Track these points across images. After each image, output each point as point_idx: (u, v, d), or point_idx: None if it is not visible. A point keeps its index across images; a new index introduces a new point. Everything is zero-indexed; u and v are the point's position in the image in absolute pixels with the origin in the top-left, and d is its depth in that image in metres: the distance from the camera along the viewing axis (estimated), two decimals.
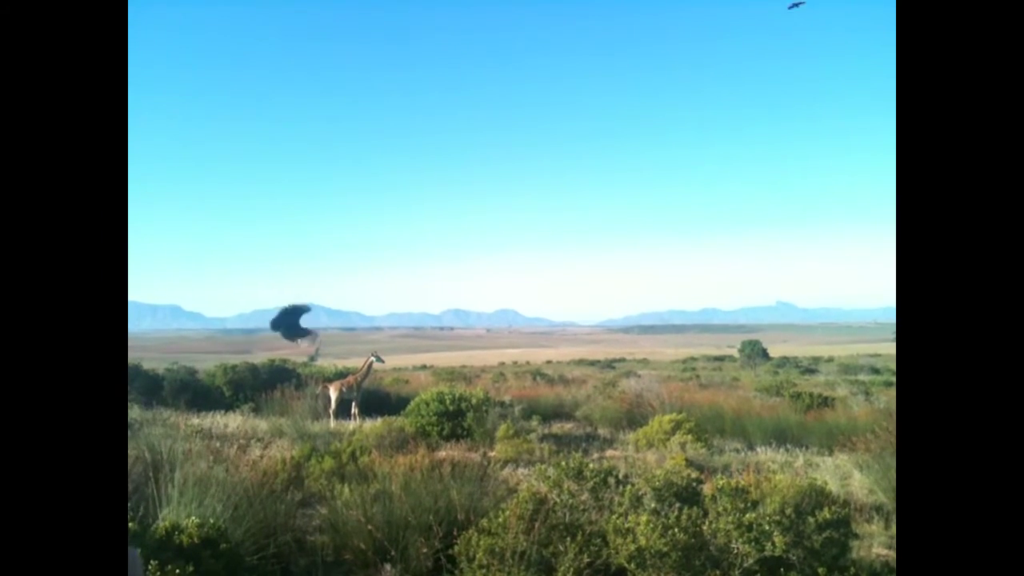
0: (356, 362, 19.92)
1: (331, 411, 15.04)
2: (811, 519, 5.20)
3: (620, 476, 6.37)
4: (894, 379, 31.88)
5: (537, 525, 5.15)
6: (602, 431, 14.79)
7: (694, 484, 6.38)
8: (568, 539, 5.07)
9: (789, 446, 12.65)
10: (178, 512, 5.66)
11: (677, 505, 5.57)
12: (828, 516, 5.23)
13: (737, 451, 12.46)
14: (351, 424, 14.28)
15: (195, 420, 14.49)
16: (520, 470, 10.08)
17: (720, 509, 5.19)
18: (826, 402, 16.72)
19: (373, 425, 12.84)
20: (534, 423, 14.39)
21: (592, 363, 63.23)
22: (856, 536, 5.86)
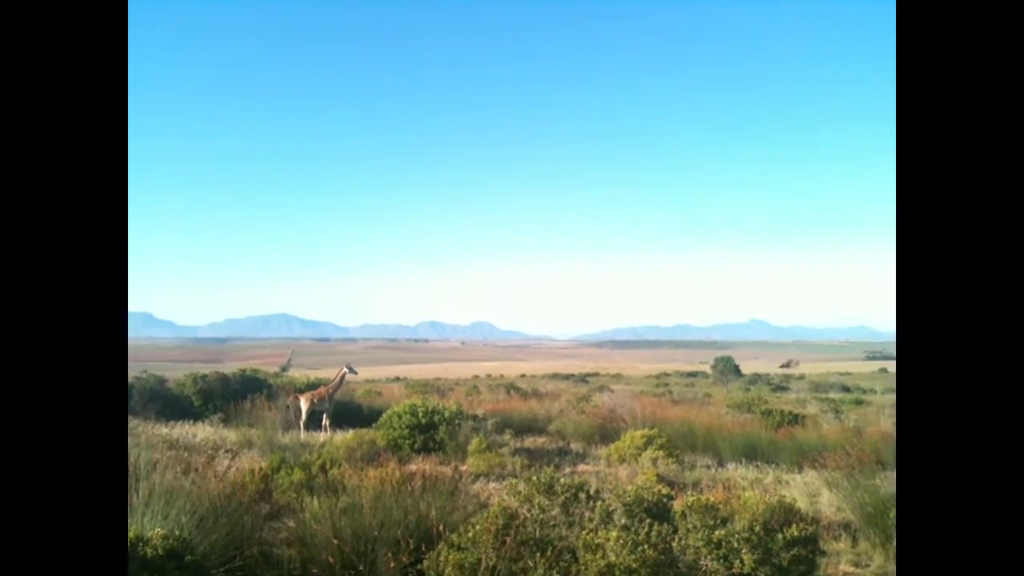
0: (329, 373, 19.76)
1: (302, 422, 14.90)
2: (779, 536, 5.23)
3: (591, 491, 6.37)
4: (863, 398, 32.27)
5: (507, 540, 5.13)
6: (575, 445, 14.79)
7: (664, 500, 6.40)
8: (538, 555, 5.05)
9: (759, 463, 12.73)
10: (143, 523, 5.56)
11: (647, 521, 5.57)
12: (796, 533, 5.27)
13: (708, 467, 12.51)
14: (322, 436, 14.15)
15: (163, 430, 14.29)
16: (492, 484, 10.05)
17: (690, 526, 5.21)
18: (796, 419, 16.86)
19: (344, 437, 12.74)
20: (507, 437, 14.36)
21: (566, 377, 63.25)
22: (823, 553, 5.90)
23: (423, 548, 5.49)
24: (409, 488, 7.02)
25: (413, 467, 10.74)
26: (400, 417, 13.28)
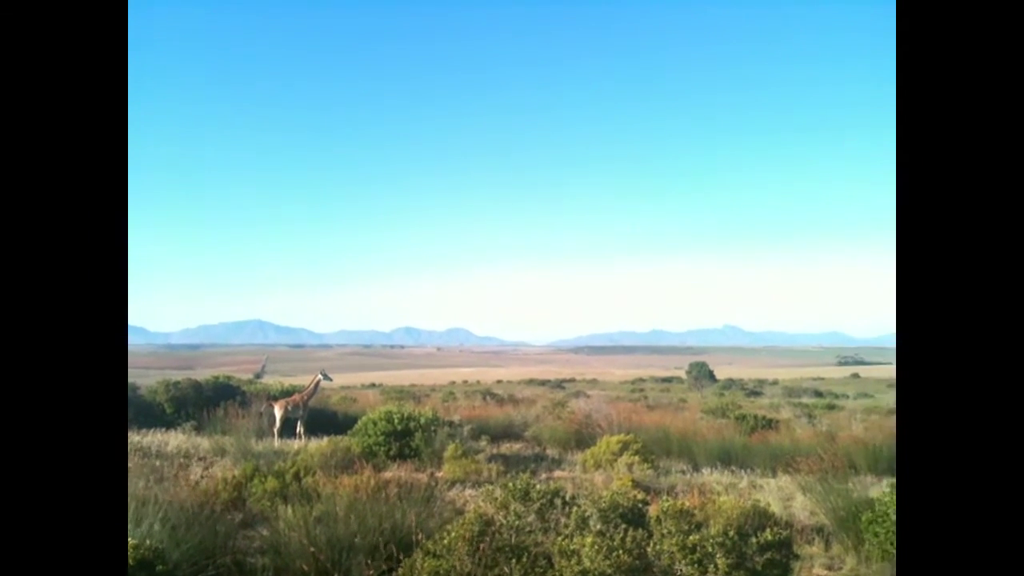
0: (303, 380, 19.64)
1: (276, 430, 14.77)
2: (754, 540, 5.27)
3: (567, 497, 6.38)
4: (836, 402, 32.66)
5: (483, 547, 5.12)
6: (551, 451, 14.80)
7: (640, 505, 6.43)
8: (513, 561, 5.05)
9: (734, 468, 12.81)
10: None
11: (622, 527, 5.59)
12: (770, 538, 5.32)
13: (683, 472, 12.56)
14: (296, 444, 14.04)
15: (135, 438, 14.09)
16: (468, 491, 10.03)
17: (664, 531, 5.23)
18: (770, 424, 17.00)
19: (319, 445, 12.64)
20: (483, 443, 14.34)
21: (542, 383, 63.35)
22: (797, 557, 5.95)
23: (399, 555, 5.47)
24: (384, 495, 6.99)
25: (388, 474, 10.71)
26: (375, 424, 13.21)
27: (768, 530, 5.47)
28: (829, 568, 7.10)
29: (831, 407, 28.21)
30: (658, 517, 5.58)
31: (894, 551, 6.88)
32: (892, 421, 19.26)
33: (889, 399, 36.77)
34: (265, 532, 6.58)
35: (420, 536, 5.80)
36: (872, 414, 22.99)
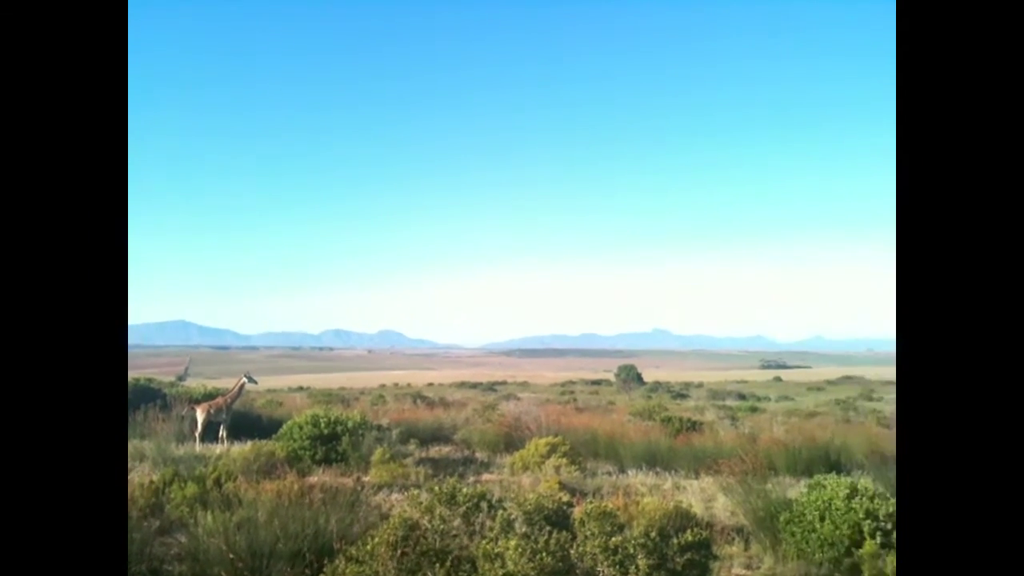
0: (228, 383, 19.15)
1: (198, 434, 14.39)
2: (674, 541, 5.38)
3: (493, 500, 6.39)
4: (759, 405, 33.55)
5: (407, 552, 5.09)
6: (480, 454, 14.81)
7: (565, 508, 6.49)
8: (437, 565, 5.04)
9: (659, 469, 13.03)
10: None
11: (547, 529, 5.63)
12: (690, 538, 5.43)
13: (609, 474, 12.73)
14: (218, 448, 13.70)
15: None
16: (394, 495, 9.96)
17: (588, 533, 5.29)
18: (695, 426, 17.35)
19: (241, 449, 12.37)
20: (412, 447, 14.25)
21: (474, 386, 63.33)
22: (716, 557, 6.10)
23: (321, 562, 5.39)
24: (308, 501, 6.89)
25: (313, 479, 10.54)
26: (301, 428, 12.99)
27: (689, 531, 5.60)
28: (747, 567, 7.29)
29: (754, 409, 28.97)
30: (582, 519, 5.64)
31: (809, 550, 7.12)
32: (811, 424, 19.92)
33: (807, 401, 38.03)
34: (183, 539, 6.40)
35: (343, 542, 5.74)
36: (792, 416, 23.73)
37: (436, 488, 6.37)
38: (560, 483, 10.47)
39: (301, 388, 51.79)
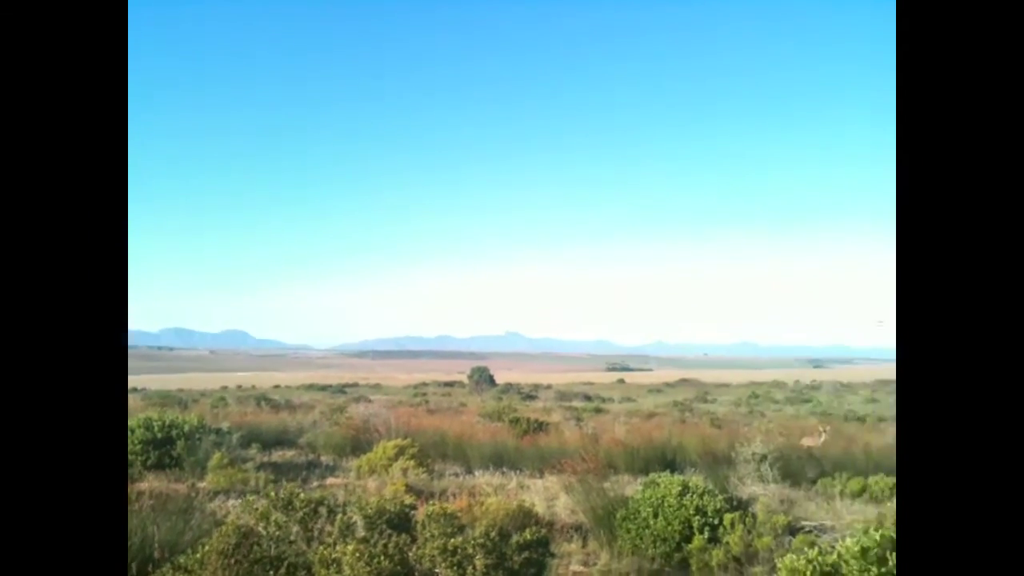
0: None
1: None
2: (513, 540, 5.47)
3: (335, 505, 6.27)
4: (603, 406, 34.76)
5: (239, 560, 4.89)
6: (326, 458, 14.50)
7: (407, 510, 6.45)
8: (271, 572, 4.88)
9: (505, 469, 13.24)
10: None
11: (387, 533, 5.58)
12: (529, 537, 5.54)
13: (457, 475, 12.80)
14: None
15: None
16: (231, 501, 9.58)
17: (428, 535, 5.28)
18: (541, 427, 17.75)
19: None
20: (253, 451, 13.74)
21: (323, 388, 61.81)
22: (553, 555, 6.24)
23: (146, 572, 5.09)
24: (137, 508, 6.52)
25: (143, 485, 9.97)
26: (132, 432, 12.25)
27: (528, 530, 5.71)
28: (584, 564, 7.53)
29: (598, 410, 30.04)
30: (423, 521, 5.63)
31: (643, 546, 7.44)
32: (650, 424, 20.85)
33: (647, 403, 39.80)
34: None
35: (173, 551, 5.46)
36: (633, 417, 24.74)
37: (271, 494, 6.17)
38: (407, 485, 10.43)
39: (135, 390, 48.65)
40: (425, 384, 75.35)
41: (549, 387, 63.86)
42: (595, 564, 7.52)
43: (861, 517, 8.58)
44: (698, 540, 7.11)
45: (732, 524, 7.14)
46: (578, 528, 8.63)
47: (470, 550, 5.00)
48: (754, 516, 7.42)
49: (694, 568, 7.10)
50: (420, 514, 6.32)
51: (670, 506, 7.45)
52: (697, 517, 7.31)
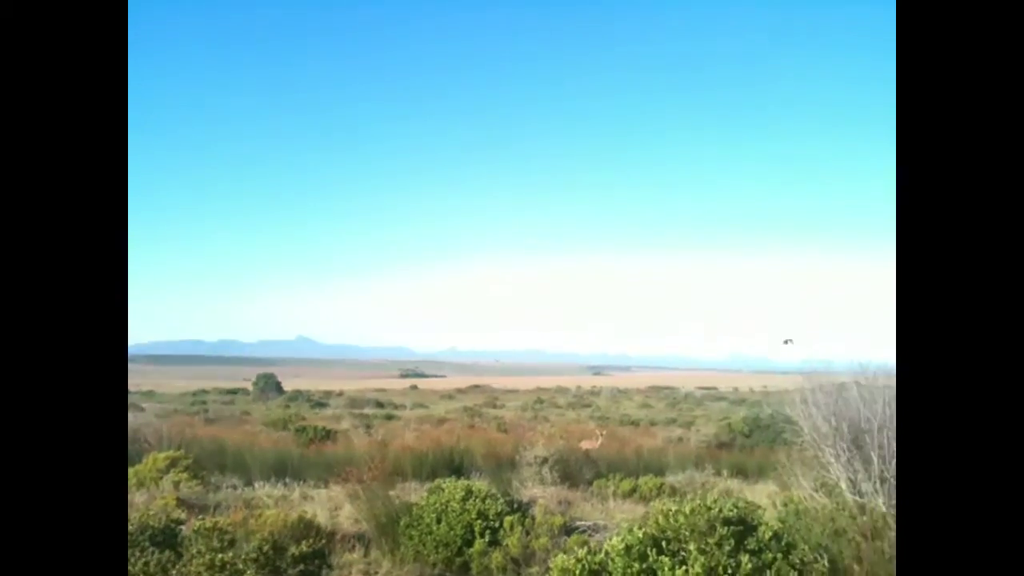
0: None
1: None
2: (289, 553, 5.30)
3: None
4: (395, 412, 34.60)
5: None
6: None
7: (173, 526, 6.05)
8: None
9: (289, 480, 12.77)
10: None
11: (150, 550, 5.19)
12: (305, 549, 5.39)
13: (235, 487, 12.15)
14: None
15: None
16: None
17: (195, 551, 4.98)
18: (329, 435, 17.36)
19: None
20: None
21: None
22: (330, 566, 6.11)
23: None
24: None
25: None
26: None
27: (305, 541, 5.55)
28: (365, 574, 7.42)
29: (389, 417, 29.90)
30: (190, 537, 5.30)
31: (426, 552, 7.47)
32: (440, 430, 21.00)
33: (439, 408, 40.03)
34: None
35: None
36: (424, 423, 24.86)
37: None
38: (178, 499, 9.77)
39: None
40: (205, 391, 70.93)
41: (341, 394, 62.46)
42: (376, 573, 7.44)
43: (630, 516, 9.18)
44: (479, 544, 7.26)
45: (512, 527, 7.35)
46: (361, 537, 8.49)
47: (240, 565, 4.78)
48: (532, 518, 7.70)
49: (475, 571, 7.23)
50: (188, 529, 5.94)
51: (453, 511, 7.54)
52: (479, 521, 7.45)
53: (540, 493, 10.86)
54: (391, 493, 9.12)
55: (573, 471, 12.52)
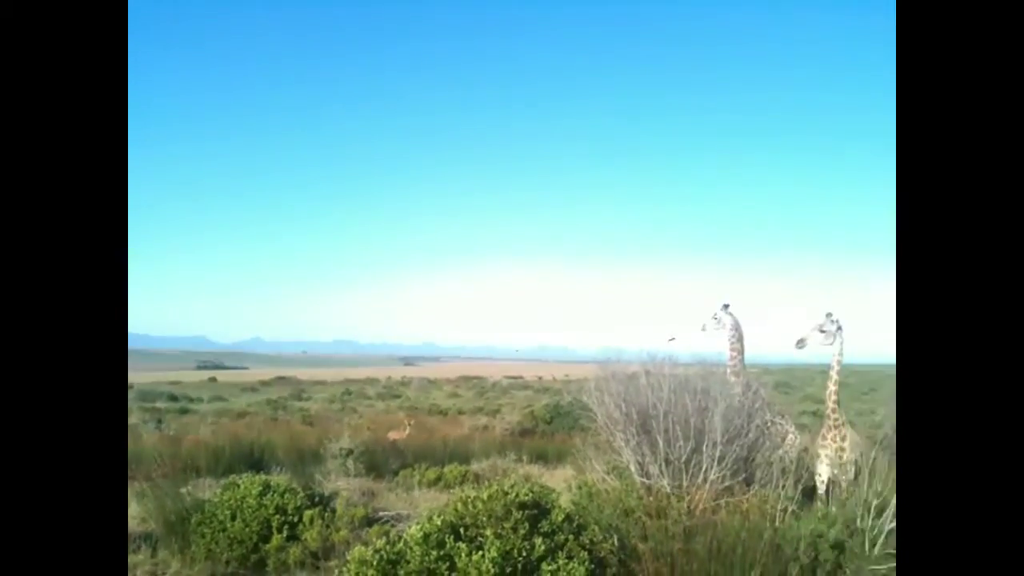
0: None
1: None
2: None
3: None
4: (190, 406, 32.76)
5: None
6: None
7: None
8: None
9: None
10: None
11: None
12: None
13: None
14: None
15: None
16: None
17: None
18: None
19: None
20: None
21: None
22: None
23: None
24: None
25: None
26: None
27: None
28: (153, 574, 7.02)
29: (184, 411, 28.29)
30: None
31: (219, 550, 7.15)
32: (240, 424, 20.18)
33: (240, 402, 38.35)
34: None
35: None
36: (223, 417, 23.74)
37: None
38: None
39: None
40: None
41: (131, 387, 58.18)
42: (164, 574, 7.05)
43: (434, 504, 9.26)
44: (276, 539, 7.06)
45: (311, 520, 7.21)
46: (148, 537, 7.98)
47: None
48: (333, 511, 7.59)
49: (271, 567, 7.03)
50: None
51: (249, 507, 7.27)
52: (277, 516, 7.24)
53: (344, 485, 10.70)
54: (182, 490, 8.63)
55: (379, 462, 12.46)
